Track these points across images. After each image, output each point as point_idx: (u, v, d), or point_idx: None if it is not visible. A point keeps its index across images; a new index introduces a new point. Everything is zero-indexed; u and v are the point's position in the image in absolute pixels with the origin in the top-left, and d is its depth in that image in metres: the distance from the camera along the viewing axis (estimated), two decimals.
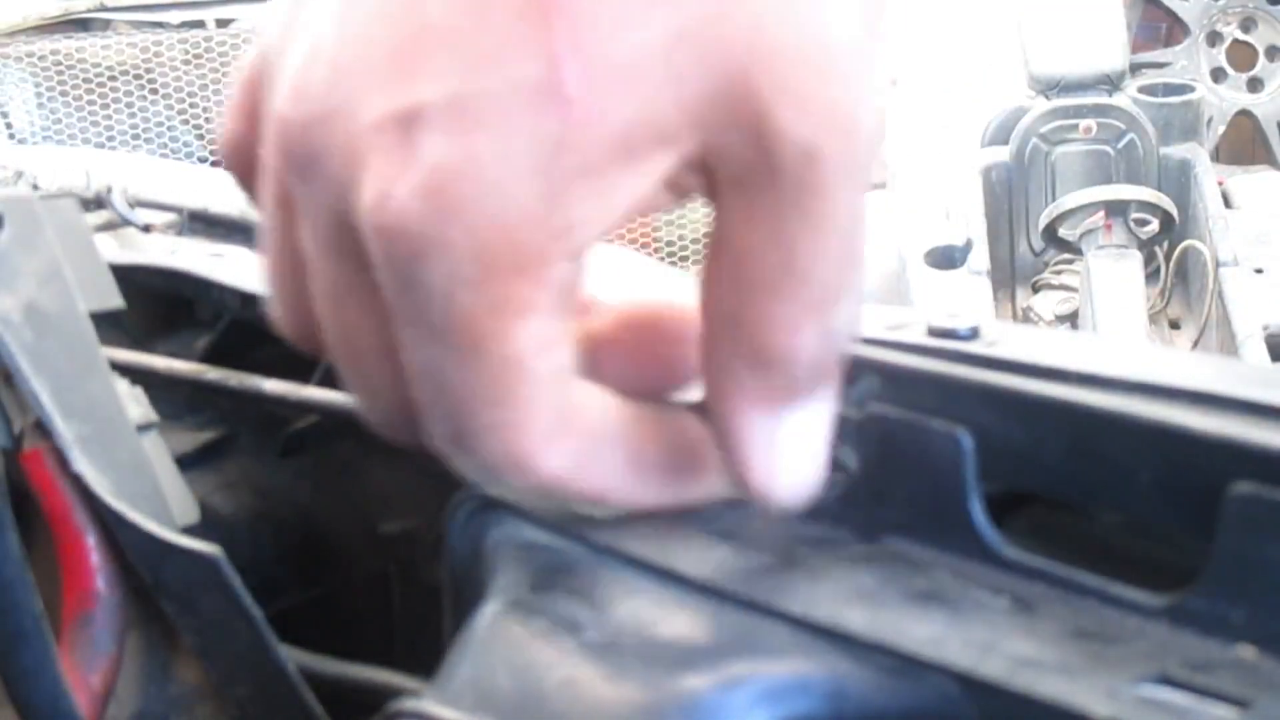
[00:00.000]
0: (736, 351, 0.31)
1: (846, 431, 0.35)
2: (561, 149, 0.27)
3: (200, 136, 3.24)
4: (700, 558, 0.35)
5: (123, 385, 0.53)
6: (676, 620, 0.33)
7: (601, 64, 0.27)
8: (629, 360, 0.34)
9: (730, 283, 0.30)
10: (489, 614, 0.34)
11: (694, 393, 0.35)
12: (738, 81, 0.28)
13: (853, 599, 0.33)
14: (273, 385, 0.63)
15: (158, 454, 0.53)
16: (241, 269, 0.71)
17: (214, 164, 3.08)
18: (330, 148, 0.29)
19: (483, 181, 0.27)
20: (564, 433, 0.31)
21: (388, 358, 0.31)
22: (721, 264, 0.30)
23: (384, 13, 0.28)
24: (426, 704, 0.31)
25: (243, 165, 0.35)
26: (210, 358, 0.69)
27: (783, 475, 0.32)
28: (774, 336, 0.30)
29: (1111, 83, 3.11)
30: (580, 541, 0.36)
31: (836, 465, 0.35)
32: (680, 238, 3.27)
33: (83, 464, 0.49)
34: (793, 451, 0.32)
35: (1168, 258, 3.05)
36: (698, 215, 3.29)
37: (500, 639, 0.33)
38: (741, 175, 0.29)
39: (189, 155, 3.19)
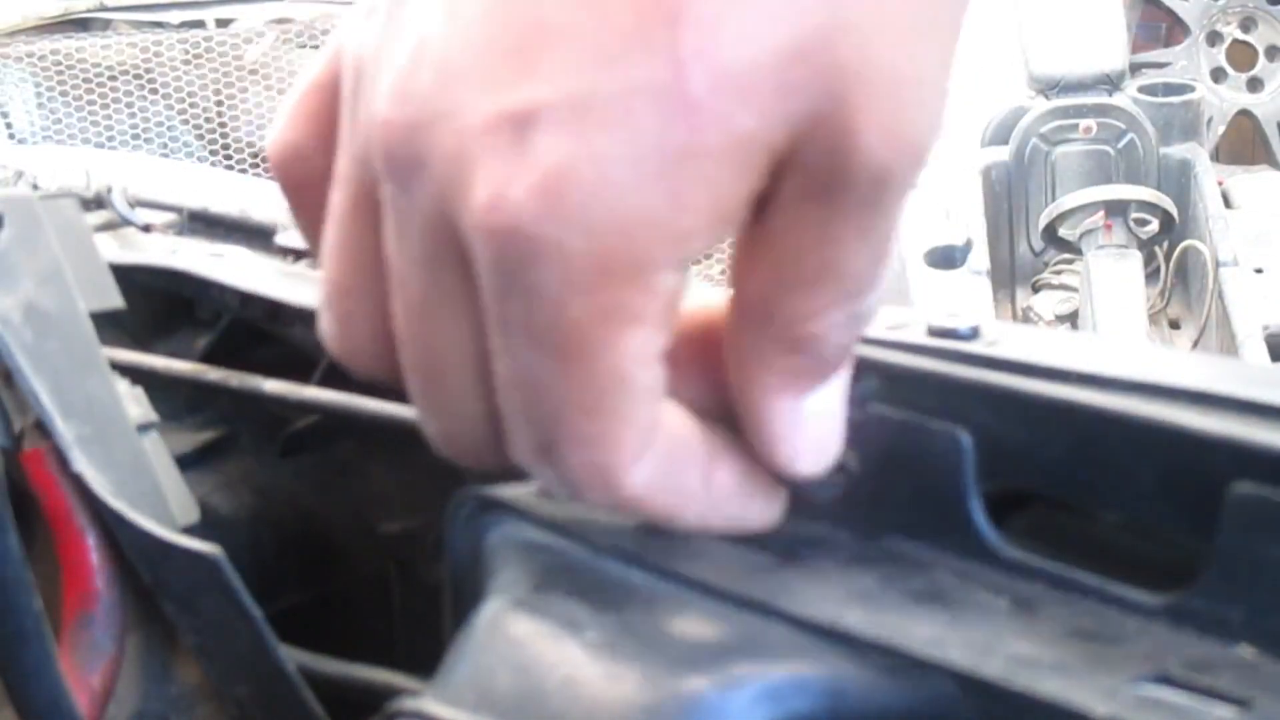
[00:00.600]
0: (768, 338, 0.32)
1: (846, 430, 0.35)
2: (684, 154, 0.27)
3: (200, 136, 3.23)
4: (700, 558, 0.35)
5: (123, 385, 0.53)
6: (676, 620, 0.33)
7: (725, 71, 0.27)
8: (697, 371, 0.34)
9: (768, 276, 0.31)
10: (489, 613, 0.34)
11: None
12: (835, 102, 0.28)
13: (852, 599, 0.33)
14: (273, 385, 0.63)
15: (158, 454, 0.53)
16: (241, 269, 0.71)
17: (214, 164, 3.08)
18: (437, 149, 0.29)
19: (603, 183, 0.27)
20: (650, 450, 0.31)
21: (474, 372, 0.31)
22: (761, 258, 0.31)
23: (495, 10, 0.28)
24: (426, 703, 0.31)
25: (298, 173, 0.34)
26: (210, 358, 0.69)
27: (807, 452, 0.34)
28: (807, 324, 0.31)
29: (1111, 83, 3.11)
30: (581, 541, 0.36)
31: (836, 465, 0.35)
32: None
33: (83, 464, 0.49)
34: (816, 428, 0.33)
35: (1168, 258, 3.05)
36: None
37: (500, 638, 0.33)
38: (809, 187, 0.29)
39: (189, 155, 3.19)
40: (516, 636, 0.33)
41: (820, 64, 0.28)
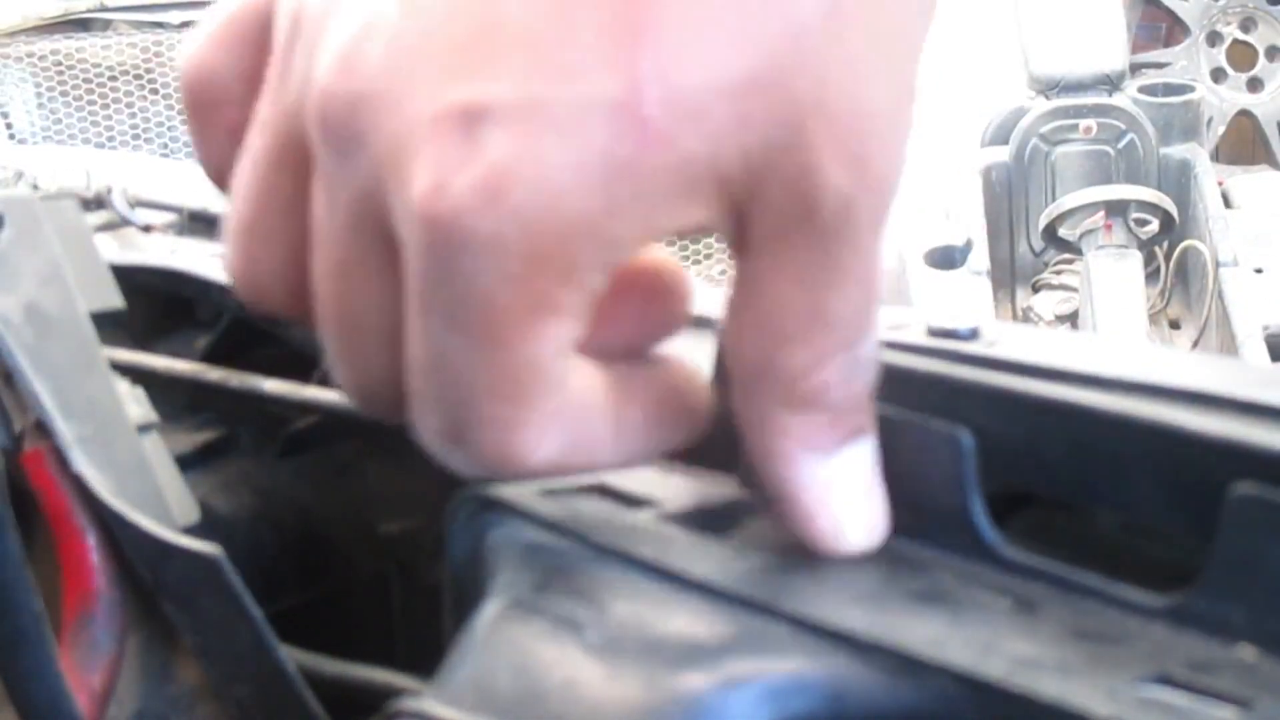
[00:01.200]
0: (773, 398, 0.32)
1: None
2: (627, 169, 0.28)
3: None
4: (701, 558, 0.35)
5: (123, 385, 0.53)
6: (677, 620, 0.33)
7: (681, 94, 0.28)
8: (610, 318, 0.34)
9: (758, 332, 0.31)
10: (489, 614, 0.34)
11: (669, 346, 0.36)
12: (794, 134, 0.29)
13: (854, 599, 0.33)
14: (273, 385, 0.63)
15: (158, 454, 0.53)
16: None
17: None
18: (381, 130, 0.29)
19: (544, 185, 0.28)
20: (557, 424, 0.31)
21: (388, 338, 0.31)
22: (748, 315, 0.31)
23: (455, 2, 0.28)
24: (426, 704, 0.31)
25: (208, 96, 0.35)
26: (210, 358, 0.69)
27: (849, 521, 0.34)
28: (809, 378, 0.31)
29: (1111, 83, 3.11)
30: (581, 541, 0.36)
31: None
32: (681, 238, 3.27)
33: (83, 464, 0.49)
34: (852, 493, 0.33)
35: (1168, 258, 3.05)
36: None
37: (500, 639, 0.33)
38: (777, 225, 0.30)
39: (189, 155, 3.19)
40: (516, 637, 0.33)
41: (778, 97, 0.28)
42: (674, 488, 0.38)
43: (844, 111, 0.29)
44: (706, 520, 0.37)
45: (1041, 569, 0.34)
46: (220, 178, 0.36)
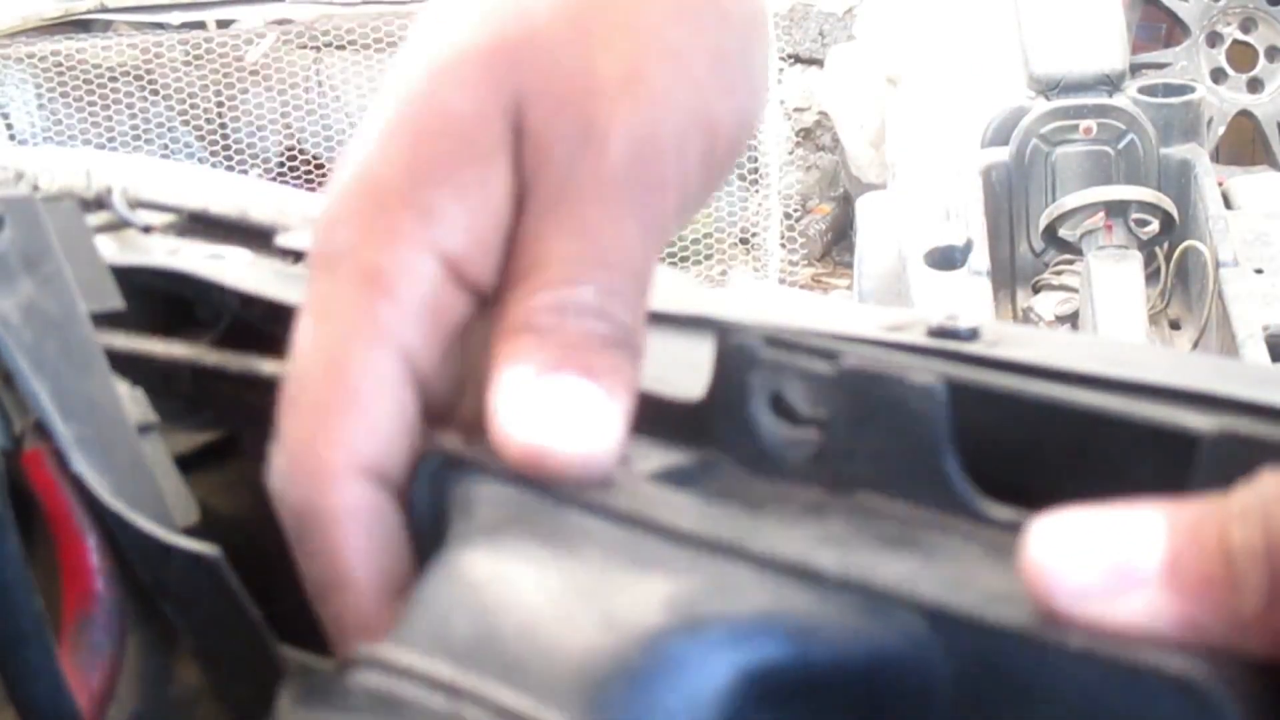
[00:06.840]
0: None
1: (821, 385, 0.35)
2: None
3: (201, 137, 3.24)
4: (666, 504, 0.34)
5: (123, 386, 0.53)
6: (639, 564, 0.32)
7: None
8: None
9: None
10: (447, 558, 0.33)
11: None
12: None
13: (823, 542, 0.32)
14: (271, 367, 0.63)
15: (158, 454, 0.53)
16: (242, 270, 0.71)
17: (214, 165, 3.08)
18: None
19: None
20: None
21: None
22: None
23: None
24: (383, 649, 0.31)
25: None
26: None
27: None
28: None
29: (1111, 83, 3.11)
30: (543, 493, 0.35)
31: (809, 420, 0.35)
32: (680, 238, 3.26)
33: (83, 464, 0.49)
34: None
35: (1168, 258, 3.05)
36: (698, 215, 3.29)
37: (459, 583, 0.32)
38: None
39: (189, 155, 3.20)
40: (474, 580, 0.32)
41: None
42: (645, 450, 0.38)
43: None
44: (676, 475, 0.36)
45: (1015, 520, 0.33)
46: None
